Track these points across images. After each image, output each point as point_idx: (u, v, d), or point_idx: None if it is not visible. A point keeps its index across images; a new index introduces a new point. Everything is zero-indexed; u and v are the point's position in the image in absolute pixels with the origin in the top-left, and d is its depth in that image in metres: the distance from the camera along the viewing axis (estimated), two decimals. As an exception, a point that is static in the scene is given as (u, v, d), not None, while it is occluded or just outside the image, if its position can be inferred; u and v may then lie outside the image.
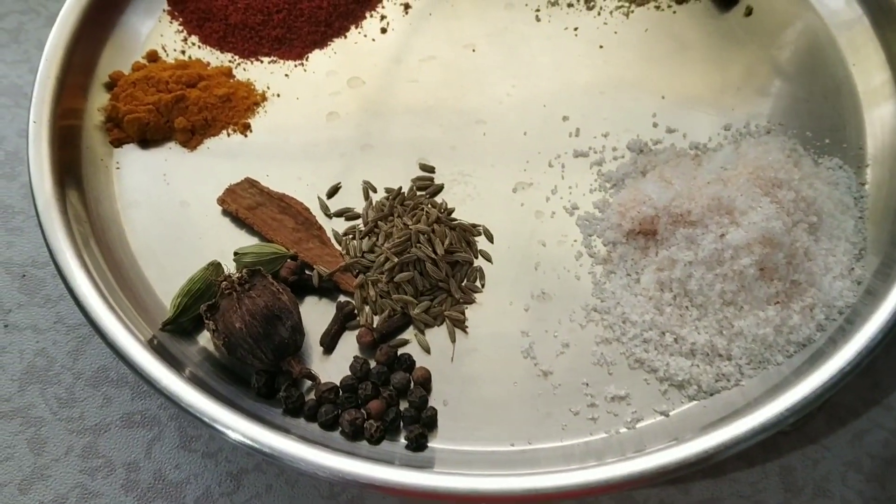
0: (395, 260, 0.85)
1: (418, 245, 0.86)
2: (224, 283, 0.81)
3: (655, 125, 0.98)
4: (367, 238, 0.90)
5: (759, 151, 0.91)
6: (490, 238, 0.91)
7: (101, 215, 0.92)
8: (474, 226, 0.91)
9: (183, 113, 0.97)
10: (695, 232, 0.84)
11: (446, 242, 0.87)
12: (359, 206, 0.94)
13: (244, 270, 0.83)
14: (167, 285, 0.88)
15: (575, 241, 0.91)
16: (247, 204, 0.92)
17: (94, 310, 0.81)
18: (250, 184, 0.94)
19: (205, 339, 0.85)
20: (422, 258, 0.86)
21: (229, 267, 0.87)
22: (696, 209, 0.85)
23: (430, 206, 0.91)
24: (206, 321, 0.80)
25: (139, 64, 1.03)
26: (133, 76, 0.99)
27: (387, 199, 0.93)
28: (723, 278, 0.83)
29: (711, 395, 0.82)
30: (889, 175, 0.93)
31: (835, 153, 0.95)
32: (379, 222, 0.91)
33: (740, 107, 0.99)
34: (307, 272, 0.88)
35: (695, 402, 0.83)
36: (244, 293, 0.81)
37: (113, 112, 0.98)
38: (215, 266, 0.86)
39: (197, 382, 0.79)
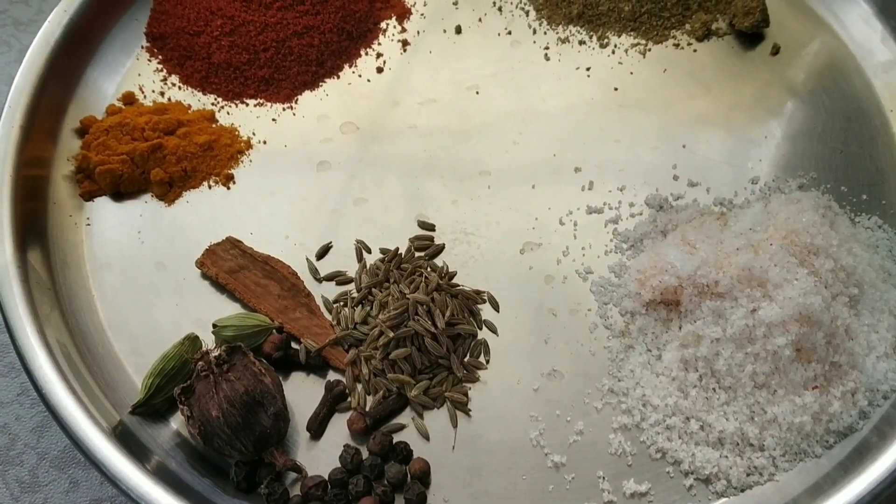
0: (391, 334, 0.76)
1: (416, 317, 0.77)
2: (200, 362, 0.71)
3: (676, 178, 0.88)
4: (360, 307, 0.81)
5: (792, 211, 0.81)
6: (495, 306, 0.82)
7: (67, 281, 0.84)
8: (478, 293, 0.82)
9: (160, 163, 0.88)
10: (723, 305, 0.75)
11: (447, 314, 0.78)
12: (351, 268, 0.85)
13: (223, 348, 0.73)
14: (139, 359, 0.80)
15: (589, 310, 0.81)
16: (228, 267, 0.83)
17: (53, 393, 0.74)
18: (232, 244, 0.84)
19: (179, 420, 0.78)
20: (420, 332, 0.76)
21: (208, 339, 0.77)
22: (725, 280, 0.75)
23: (429, 270, 0.82)
24: (181, 406, 0.72)
25: (114, 108, 0.94)
26: (106, 122, 0.90)
27: (382, 261, 0.84)
28: (754, 358, 0.73)
29: (742, 490, 0.75)
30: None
31: (873, 210, 0.86)
32: (373, 289, 0.81)
33: (768, 157, 0.90)
34: (293, 346, 0.78)
35: (724, 500, 0.75)
36: (222, 375, 0.72)
37: (84, 162, 0.89)
38: (192, 340, 0.77)
39: (167, 476, 0.72)
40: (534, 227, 0.87)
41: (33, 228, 0.87)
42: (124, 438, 0.73)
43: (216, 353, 0.75)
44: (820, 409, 0.74)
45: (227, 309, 0.83)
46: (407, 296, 0.79)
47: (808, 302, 0.74)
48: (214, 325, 0.79)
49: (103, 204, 0.90)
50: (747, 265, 0.76)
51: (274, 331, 0.81)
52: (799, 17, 1.01)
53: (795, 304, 0.74)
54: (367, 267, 0.85)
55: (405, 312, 0.79)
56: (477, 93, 0.97)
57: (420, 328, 0.77)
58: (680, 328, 0.79)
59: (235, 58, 0.96)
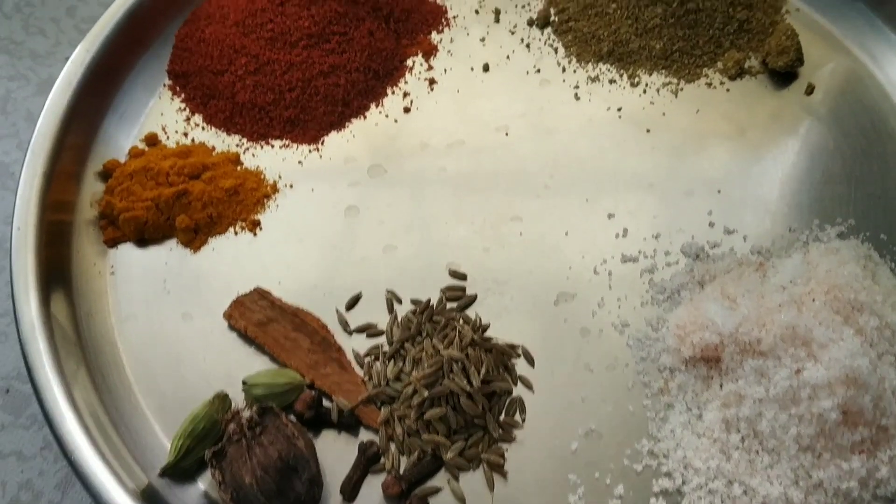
0: (426, 393, 0.74)
1: (451, 376, 0.75)
2: (231, 425, 0.69)
3: (712, 224, 0.86)
4: (392, 362, 0.79)
5: (832, 262, 0.79)
6: (531, 361, 0.80)
7: (93, 334, 0.82)
8: (512, 347, 0.80)
9: (185, 210, 0.86)
10: (765, 364, 0.74)
11: (483, 371, 0.76)
12: (382, 319, 0.82)
13: (254, 409, 0.71)
14: (168, 417, 0.79)
15: (626, 365, 0.80)
16: (257, 319, 0.81)
17: (80, 456, 0.73)
18: (260, 295, 0.82)
19: (207, 480, 0.76)
20: (456, 391, 0.74)
21: (237, 395, 0.78)
22: (768, 338, 0.74)
23: (462, 323, 0.80)
24: (212, 469, 0.70)
25: (137, 150, 0.91)
26: (130, 166, 0.88)
27: (414, 313, 0.81)
28: (798, 420, 0.72)
29: (788, 557, 0.69)
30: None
31: (915, 260, 0.83)
32: (405, 343, 0.79)
33: (806, 203, 0.89)
34: (325, 403, 0.76)
35: (769, 568, 0.70)
36: (254, 438, 0.70)
37: (108, 209, 0.87)
38: (221, 399, 0.75)
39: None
40: (568, 276, 0.85)
41: (58, 278, 0.85)
42: (152, 500, 0.71)
43: (247, 415, 0.72)
44: (867, 475, 0.72)
45: (255, 362, 0.81)
46: (441, 352, 0.77)
47: (856, 364, 0.72)
48: (244, 383, 0.77)
49: (127, 251, 0.88)
50: (791, 324, 0.74)
51: (305, 388, 0.77)
52: (834, 56, 1.00)
53: (842, 366, 0.72)
54: (399, 319, 0.82)
55: (440, 370, 0.77)
56: (506, 134, 0.94)
57: (455, 387, 0.75)
58: (721, 387, 0.77)
59: (260, 98, 0.94)
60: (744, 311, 0.77)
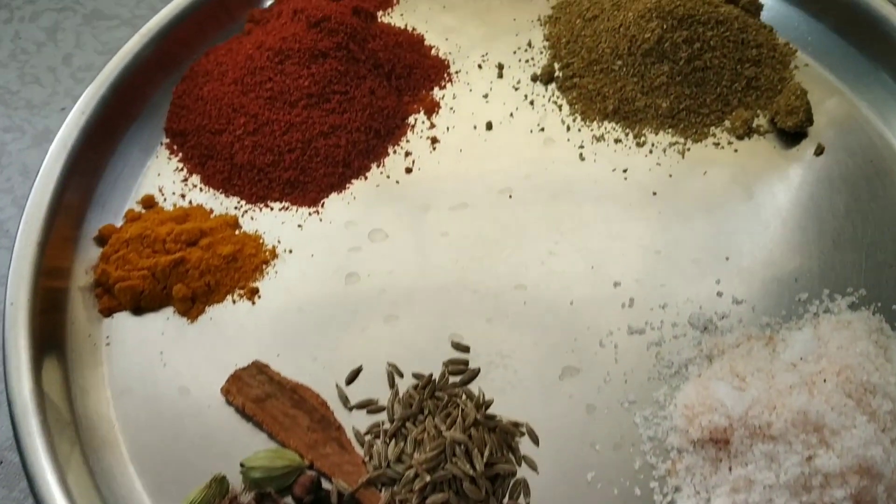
0: (428, 478, 0.72)
1: (454, 459, 0.73)
2: (229, 513, 0.68)
3: (720, 294, 0.84)
4: (393, 441, 0.77)
5: (844, 338, 0.78)
6: (535, 440, 0.78)
7: (87, 411, 0.81)
8: (516, 425, 0.78)
9: (182, 278, 0.84)
10: (776, 449, 0.72)
11: (486, 454, 0.74)
12: (383, 394, 0.81)
13: (252, 495, 0.69)
14: (165, 499, 0.77)
15: (633, 444, 0.78)
16: (255, 395, 0.79)
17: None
18: (259, 369, 0.80)
19: (206, 567, 0.71)
20: (458, 476, 0.72)
21: (235, 474, 0.77)
22: (778, 423, 0.72)
23: (465, 399, 0.78)
24: (210, 557, 0.67)
25: (133, 213, 0.89)
26: (126, 232, 0.86)
27: (415, 388, 0.79)
28: (810, 509, 0.69)
29: None
30: None
31: (926, 332, 0.81)
32: (407, 422, 0.77)
33: (816, 271, 0.88)
34: (324, 485, 0.74)
35: None
36: (253, 527, 0.67)
37: (103, 277, 0.85)
38: (219, 482, 0.74)
39: None
40: (573, 349, 0.83)
41: (51, 351, 0.83)
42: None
43: (246, 500, 0.70)
44: (880, 567, 0.69)
45: (254, 440, 0.80)
46: (444, 433, 0.76)
47: (869, 454, 0.70)
48: (242, 465, 0.75)
49: (123, 320, 0.86)
50: (802, 408, 0.73)
51: (304, 470, 0.75)
52: (844, 114, 0.99)
53: (855, 455, 0.70)
54: (400, 395, 0.81)
55: (442, 453, 0.75)
56: (510, 196, 0.92)
57: (458, 471, 0.74)
58: (730, 470, 0.75)
59: (259, 159, 0.92)
60: (753, 393, 0.75)
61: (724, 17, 0.97)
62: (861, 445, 0.71)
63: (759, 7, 1.04)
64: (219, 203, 0.94)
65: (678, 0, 0.97)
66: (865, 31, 1.01)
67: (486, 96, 1.01)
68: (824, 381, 0.76)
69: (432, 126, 0.98)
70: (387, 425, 0.80)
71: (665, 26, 0.96)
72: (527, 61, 1.04)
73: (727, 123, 0.97)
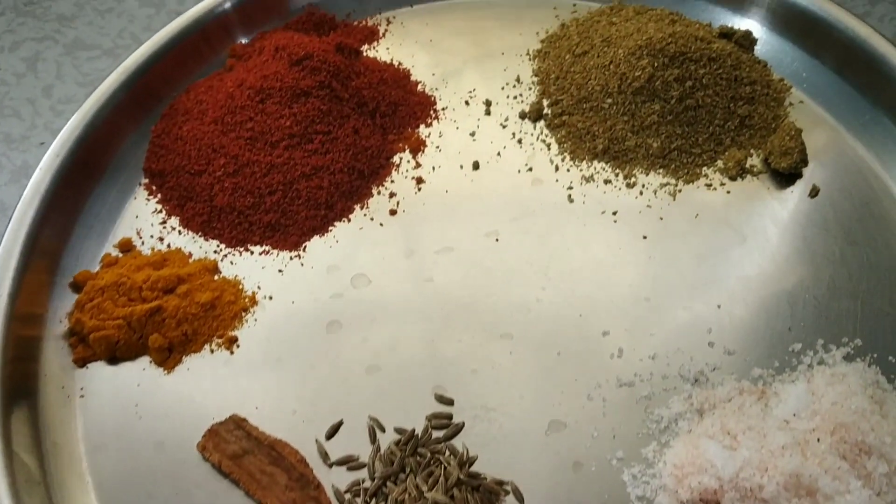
0: (408, 542, 0.68)
1: (435, 522, 0.69)
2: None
3: (711, 344, 0.82)
4: (374, 501, 0.74)
5: (838, 393, 0.76)
6: (520, 499, 0.77)
7: (59, 469, 0.79)
8: (501, 483, 0.75)
9: (158, 328, 0.81)
10: (768, 513, 0.68)
11: (469, 515, 0.70)
12: (364, 449, 0.79)
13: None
14: (137, 562, 0.71)
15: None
16: (232, 451, 0.76)
17: None
18: (236, 424, 0.78)
19: None
20: (440, 539, 0.69)
21: None
22: (770, 486, 0.70)
23: (448, 456, 0.76)
24: None
25: (110, 258, 0.87)
26: (102, 279, 0.84)
27: (397, 444, 0.76)
28: (803, 576, 0.66)
29: None
30: None
31: (923, 384, 0.78)
32: (388, 481, 0.74)
33: (810, 319, 0.86)
34: (303, 549, 0.71)
35: None
36: None
37: (77, 326, 0.82)
38: (193, 545, 0.69)
39: None
40: (560, 402, 0.81)
41: (22, 403, 0.82)
42: None
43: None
44: None
45: (231, 498, 0.79)
46: (425, 494, 0.73)
47: (864, 521, 0.66)
48: (217, 526, 0.71)
49: (98, 370, 0.84)
50: (795, 471, 0.70)
51: (281, 531, 0.73)
52: (839, 154, 0.97)
53: (849, 522, 0.66)
54: (381, 452, 0.78)
55: (423, 515, 0.71)
56: (497, 240, 0.90)
57: (439, 535, 0.70)
58: (720, 533, 0.71)
59: (239, 201, 0.89)
60: (745, 453, 0.73)
61: (717, 54, 0.95)
62: (855, 512, 0.67)
63: (753, 41, 1.01)
64: (198, 246, 0.91)
65: (669, 37, 0.94)
66: (862, 68, 0.98)
67: (473, 134, 0.98)
68: (818, 440, 0.73)
69: (418, 165, 0.95)
70: (367, 483, 0.78)
71: (656, 64, 0.93)
72: (515, 97, 1.01)
73: (720, 164, 0.95)
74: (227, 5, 1.04)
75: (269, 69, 0.93)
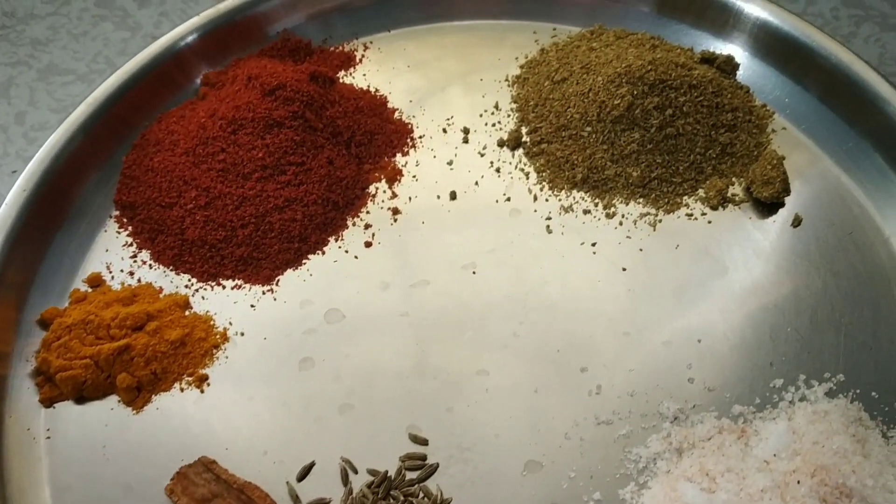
0: (379, 591, 0.66)
1: (407, 571, 0.67)
2: None
3: (691, 380, 0.80)
4: (345, 546, 0.71)
5: (819, 432, 0.74)
6: (495, 542, 0.72)
7: (23, 514, 0.73)
8: (476, 526, 0.72)
9: (127, 367, 0.79)
10: (747, 559, 0.66)
11: (442, 562, 0.68)
12: (336, 492, 0.78)
13: None
14: None
15: (600, 548, 0.72)
16: (200, 494, 0.74)
17: None
18: (205, 466, 0.76)
19: None
20: (412, 588, 0.67)
21: None
22: (749, 531, 0.66)
23: (422, 500, 0.75)
24: None
25: (79, 293, 0.85)
26: (69, 317, 0.82)
27: (369, 487, 0.74)
28: None
29: None
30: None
31: (906, 421, 0.76)
32: (360, 527, 0.72)
33: (792, 354, 0.85)
34: None
35: None
36: None
37: (44, 366, 0.81)
38: None
39: None
40: (537, 441, 0.79)
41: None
42: None
43: None
44: None
45: (199, 543, 0.73)
46: (397, 540, 0.70)
47: (844, 570, 0.64)
48: (184, 575, 0.69)
49: (65, 410, 0.82)
50: (774, 516, 0.67)
51: (250, 579, 0.71)
52: (823, 182, 0.96)
53: (829, 570, 0.65)
54: (354, 494, 0.76)
55: (395, 563, 0.69)
56: (473, 272, 0.88)
57: (412, 583, 0.68)
58: (699, 579, 0.69)
59: (211, 234, 0.87)
60: (723, 497, 0.72)
61: (698, 81, 0.93)
62: (835, 559, 0.66)
63: (736, 67, 0.99)
64: (169, 281, 0.89)
65: (649, 64, 0.92)
66: (845, 94, 0.96)
67: (450, 163, 0.96)
68: (798, 482, 0.71)
69: (394, 196, 0.94)
70: (339, 528, 0.75)
71: (635, 92, 0.91)
72: (493, 125, 0.99)
73: (701, 193, 0.93)
74: (202, 31, 1.02)
75: (241, 99, 0.91)
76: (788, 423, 0.78)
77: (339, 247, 0.91)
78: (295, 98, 0.91)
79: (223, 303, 0.88)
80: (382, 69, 1.06)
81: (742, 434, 0.79)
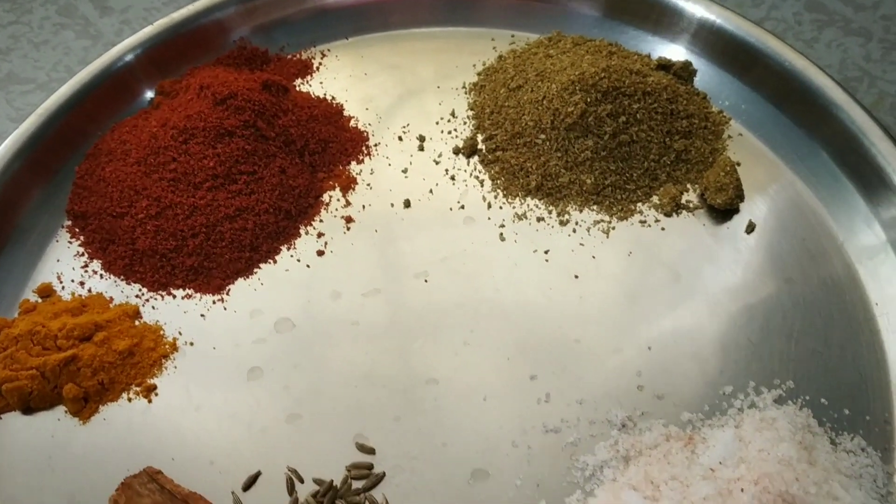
0: None
1: (348, 580, 0.67)
2: None
3: (640, 388, 0.79)
4: (288, 556, 0.71)
5: (766, 440, 0.74)
6: (440, 553, 0.72)
7: (-37, 527, 0.72)
8: (421, 536, 0.72)
9: (74, 377, 0.79)
10: (688, 567, 0.65)
11: (384, 571, 0.68)
12: (281, 502, 0.76)
13: None
14: None
15: (543, 557, 0.71)
16: (144, 506, 0.73)
17: None
18: (150, 477, 0.75)
19: None
20: None
21: None
22: (691, 540, 0.66)
23: (366, 509, 0.72)
24: None
25: (28, 304, 0.84)
26: (17, 328, 0.81)
27: (315, 496, 0.74)
28: None
29: None
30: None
31: (856, 428, 0.78)
32: (302, 537, 0.71)
33: (742, 361, 0.84)
34: None
35: None
36: None
37: (-11, 376, 0.78)
38: None
39: None
40: (484, 449, 0.78)
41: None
42: None
43: None
44: None
45: (142, 554, 0.73)
46: (339, 551, 0.69)
47: (783, 578, 0.64)
48: (124, 586, 0.69)
49: (11, 421, 0.82)
50: (715, 525, 0.67)
51: (191, 591, 0.70)
52: (777, 187, 0.96)
53: (768, 578, 0.64)
54: (299, 504, 0.75)
55: (336, 573, 0.69)
56: (426, 281, 0.88)
57: None
58: (641, 588, 0.69)
59: (161, 244, 0.87)
60: (666, 506, 0.70)
61: (652, 88, 0.93)
62: (775, 568, 0.65)
63: (693, 73, 0.99)
64: (120, 290, 0.89)
65: (602, 71, 0.92)
66: (800, 101, 0.97)
67: (405, 171, 0.96)
68: (742, 490, 0.71)
69: (348, 204, 0.93)
70: (283, 538, 0.74)
71: (589, 99, 0.91)
72: (449, 132, 0.99)
73: (655, 199, 0.93)
74: (156, 40, 1.02)
75: (192, 108, 0.91)
76: (736, 431, 0.78)
77: (291, 255, 0.91)
78: (246, 107, 0.91)
79: (173, 312, 0.88)
80: (340, 77, 1.05)
81: (689, 441, 0.78)
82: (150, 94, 1.03)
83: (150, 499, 0.76)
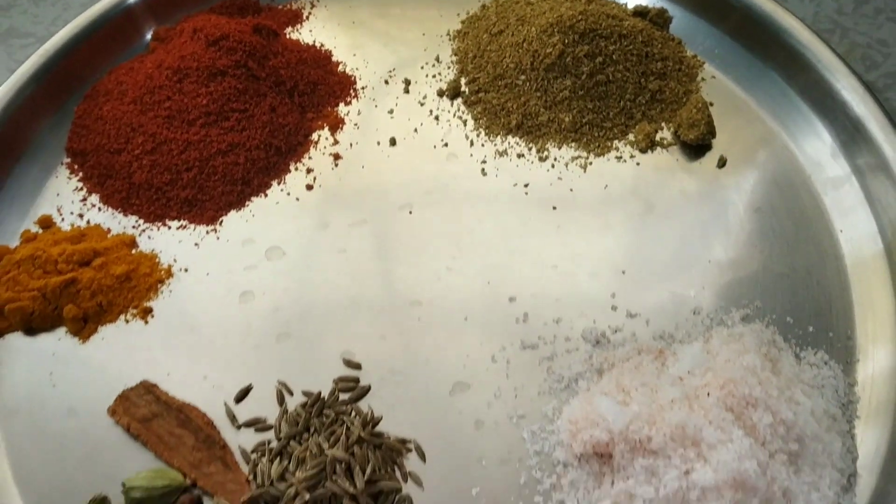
0: (307, 496, 0.71)
1: (334, 477, 0.72)
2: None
3: (614, 308, 0.84)
4: (277, 460, 0.75)
5: (732, 351, 0.78)
6: (422, 456, 0.78)
7: (-29, 427, 0.77)
8: (403, 442, 0.77)
9: (73, 299, 0.83)
10: (656, 463, 0.71)
11: (368, 471, 0.73)
12: (272, 413, 0.80)
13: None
14: (46, 520, 0.73)
15: (520, 459, 0.78)
16: (141, 415, 0.78)
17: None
18: (146, 389, 0.79)
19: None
20: (338, 493, 0.71)
21: (117, 496, 0.77)
22: (658, 437, 0.72)
23: (353, 416, 0.77)
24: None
25: (29, 234, 0.89)
26: (18, 254, 0.85)
27: (303, 406, 0.78)
28: (688, 522, 0.68)
29: None
30: (882, 373, 0.79)
31: (819, 344, 0.82)
32: (291, 441, 0.76)
33: (712, 284, 0.87)
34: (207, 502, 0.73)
35: None
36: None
37: (-7, 298, 0.83)
38: (98, 502, 0.71)
39: None
40: (465, 364, 0.82)
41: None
42: None
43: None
44: (756, 581, 0.69)
45: (140, 460, 0.79)
46: (325, 451, 0.74)
47: (743, 468, 0.70)
48: (123, 485, 0.74)
49: (14, 340, 0.86)
50: (681, 423, 0.72)
51: (186, 489, 0.75)
52: (748, 126, 0.99)
53: (730, 468, 0.70)
54: (288, 414, 0.79)
55: (322, 471, 0.74)
56: (410, 212, 0.92)
57: (338, 489, 0.73)
58: (612, 484, 0.74)
59: (157, 178, 0.91)
60: (635, 408, 0.75)
61: (628, 31, 0.97)
62: (735, 459, 0.70)
63: (668, 20, 1.04)
64: (117, 222, 0.93)
65: (580, 14, 0.96)
66: (768, 42, 1.02)
67: (391, 112, 1.00)
68: (707, 394, 0.75)
69: (335, 142, 0.98)
70: (273, 444, 0.79)
71: (566, 41, 0.96)
72: (434, 76, 1.03)
73: (630, 137, 0.97)
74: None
75: (186, 50, 0.95)
76: (704, 345, 0.82)
77: (282, 190, 0.95)
78: (238, 48, 0.95)
79: (168, 242, 0.92)
80: (328, 26, 1.10)
81: (659, 355, 0.83)
82: (146, 41, 1.06)
83: (147, 409, 0.81)
